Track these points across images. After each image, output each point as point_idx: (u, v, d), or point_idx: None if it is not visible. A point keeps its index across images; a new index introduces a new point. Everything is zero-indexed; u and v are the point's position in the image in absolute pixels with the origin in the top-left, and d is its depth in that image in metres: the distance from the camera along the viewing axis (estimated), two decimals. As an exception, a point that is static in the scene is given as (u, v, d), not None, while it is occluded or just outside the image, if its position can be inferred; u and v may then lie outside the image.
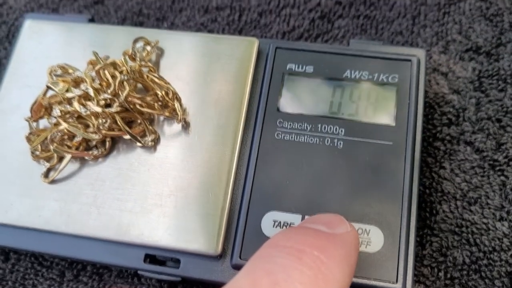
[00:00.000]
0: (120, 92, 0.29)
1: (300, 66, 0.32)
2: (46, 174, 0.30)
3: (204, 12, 0.40)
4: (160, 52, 0.33)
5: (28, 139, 0.31)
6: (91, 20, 0.36)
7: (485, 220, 0.30)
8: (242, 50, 0.32)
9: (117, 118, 0.29)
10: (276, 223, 0.28)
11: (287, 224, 0.28)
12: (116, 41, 0.34)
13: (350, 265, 0.22)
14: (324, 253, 0.21)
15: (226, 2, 0.40)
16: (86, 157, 0.30)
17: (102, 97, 0.29)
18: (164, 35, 0.33)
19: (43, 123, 0.32)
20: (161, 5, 0.40)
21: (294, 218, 0.28)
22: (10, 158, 0.31)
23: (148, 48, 0.32)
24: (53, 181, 0.30)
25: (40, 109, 0.31)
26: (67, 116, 0.30)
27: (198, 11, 0.40)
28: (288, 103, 0.31)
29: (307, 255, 0.20)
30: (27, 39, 0.34)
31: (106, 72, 0.29)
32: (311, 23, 0.39)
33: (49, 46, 0.34)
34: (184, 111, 0.31)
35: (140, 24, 0.40)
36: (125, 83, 0.29)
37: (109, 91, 0.29)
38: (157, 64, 0.33)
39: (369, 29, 0.38)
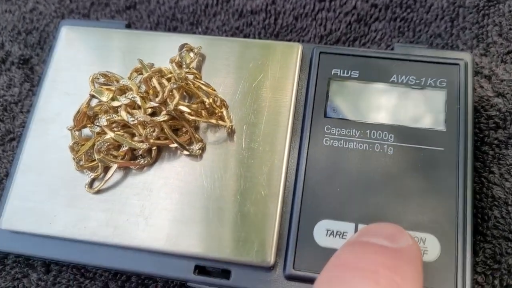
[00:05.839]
0: (168, 100, 0.28)
1: (345, 71, 0.31)
2: (91, 185, 0.30)
3: (239, 16, 0.39)
4: (202, 59, 0.32)
5: (72, 148, 0.30)
6: (128, 26, 0.35)
7: (537, 226, 0.30)
8: (286, 55, 0.32)
9: (165, 126, 0.28)
10: (329, 232, 0.28)
11: (341, 233, 0.28)
12: (155, 47, 0.33)
13: (421, 282, 0.21)
14: (398, 274, 0.20)
15: (261, 5, 0.39)
16: (132, 167, 0.30)
17: (149, 105, 0.29)
18: (205, 41, 0.33)
19: (85, 131, 0.31)
20: (194, 10, 0.40)
21: (347, 227, 0.28)
22: (53, 169, 0.31)
23: (191, 54, 0.31)
24: (98, 192, 0.30)
25: (83, 118, 0.30)
26: (113, 125, 0.29)
27: (232, 15, 0.39)
28: (335, 108, 0.31)
29: (383, 278, 0.20)
30: (65, 46, 0.34)
31: (154, 80, 0.29)
32: (348, 27, 0.38)
33: (87, 53, 0.33)
34: (230, 118, 0.30)
35: (174, 29, 0.39)
36: (174, 91, 0.28)
37: (156, 99, 0.28)
38: (199, 70, 0.32)
39: (406, 31, 0.38)
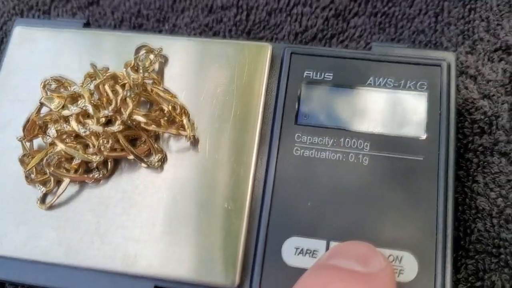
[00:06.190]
0: (122, 109, 0.26)
1: (319, 73, 0.29)
2: (43, 200, 0.28)
3: (209, 12, 0.37)
4: (164, 61, 0.30)
5: (22, 161, 0.28)
6: (87, 25, 0.33)
7: (524, 239, 0.28)
8: (254, 56, 0.29)
9: (120, 137, 0.26)
10: (299, 251, 0.26)
11: (311, 252, 0.26)
12: (114, 48, 0.31)
13: None
14: None
15: (232, 0, 0.36)
16: (86, 181, 0.27)
17: (102, 114, 0.26)
18: (167, 41, 0.30)
19: (38, 141, 0.29)
20: (161, 5, 0.37)
21: (318, 245, 0.26)
22: (2, 182, 0.28)
23: (151, 56, 0.29)
24: (50, 207, 0.27)
25: (34, 128, 0.28)
26: (64, 136, 0.27)
27: (202, 11, 0.37)
28: (306, 115, 0.28)
29: None
30: (18, 47, 0.31)
31: (106, 87, 0.26)
32: (325, 22, 0.36)
33: (42, 55, 0.31)
34: (192, 126, 0.28)
35: (139, 26, 0.37)
36: (127, 99, 0.26)
37: (110, 107, 0.26)
38: (161, 73, 0.30)
39: (387, 27, 0.35)
